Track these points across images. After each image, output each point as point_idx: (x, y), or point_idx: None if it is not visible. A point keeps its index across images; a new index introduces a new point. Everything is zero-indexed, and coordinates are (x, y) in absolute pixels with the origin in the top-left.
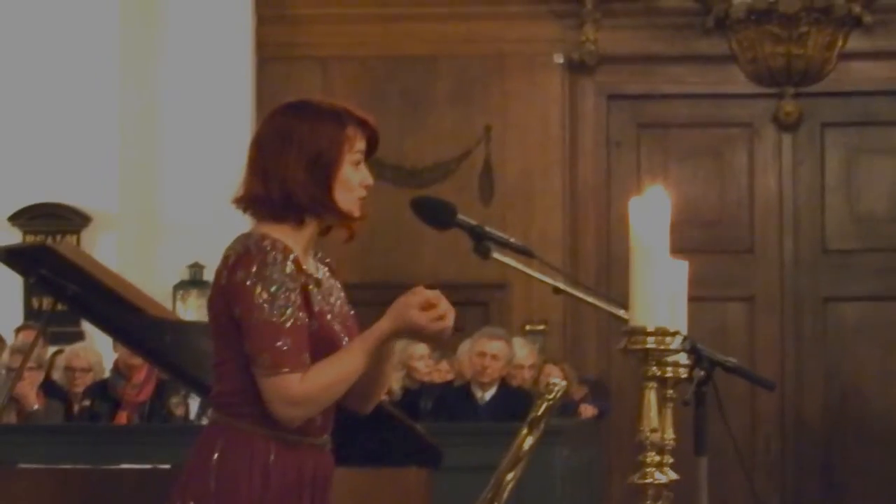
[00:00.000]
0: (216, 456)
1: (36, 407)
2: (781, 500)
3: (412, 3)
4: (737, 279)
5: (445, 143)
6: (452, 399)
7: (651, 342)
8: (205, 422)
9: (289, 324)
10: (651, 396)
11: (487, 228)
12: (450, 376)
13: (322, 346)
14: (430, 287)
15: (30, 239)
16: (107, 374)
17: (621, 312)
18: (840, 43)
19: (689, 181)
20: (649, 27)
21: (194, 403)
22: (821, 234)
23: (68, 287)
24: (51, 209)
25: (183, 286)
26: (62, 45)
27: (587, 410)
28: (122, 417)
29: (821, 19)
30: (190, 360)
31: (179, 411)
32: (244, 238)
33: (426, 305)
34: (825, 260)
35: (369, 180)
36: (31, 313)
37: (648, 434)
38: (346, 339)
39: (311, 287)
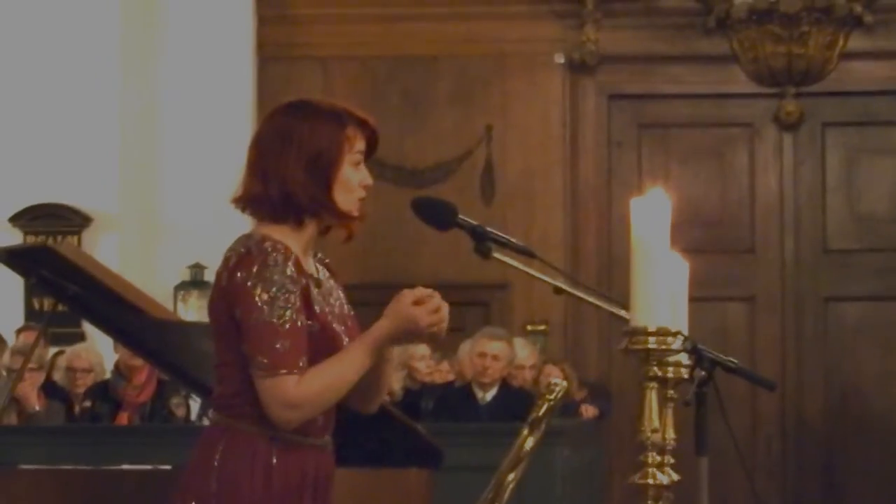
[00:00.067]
0: (218, 457)
1: (37, 408)
2: (782, 501)
3: (413, 3)
4: (737, 279)
5: (446, 144)
6: (453, 399)
7: (652, 342)
8: (206, 422)
9: (287, 326)
10: (652, 397)
11: (488, 229)
12: (451, 377)
13: (323, 346)
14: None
15: (30, 239)
16: (108, 375)
17: (622, 313)
18: (841, 43)
19: (689, 181)
20: (650, 27)
21: (195, 404)
22: (821, 234)
23: (69, 288)
24: (51, 210)
25: (184, 287)
26: (63, 45)
27: (588, 411)
28: (123, 418)
29: (822, 19)
30: (191, 361)
31: (180, 412)
32: (245, 239)
33: (419, 302)
34: (826, 260)
35: (369, 181)
36: (31, 314)
37: (649, 434)
38: (347, 339)
39: (311, 288)
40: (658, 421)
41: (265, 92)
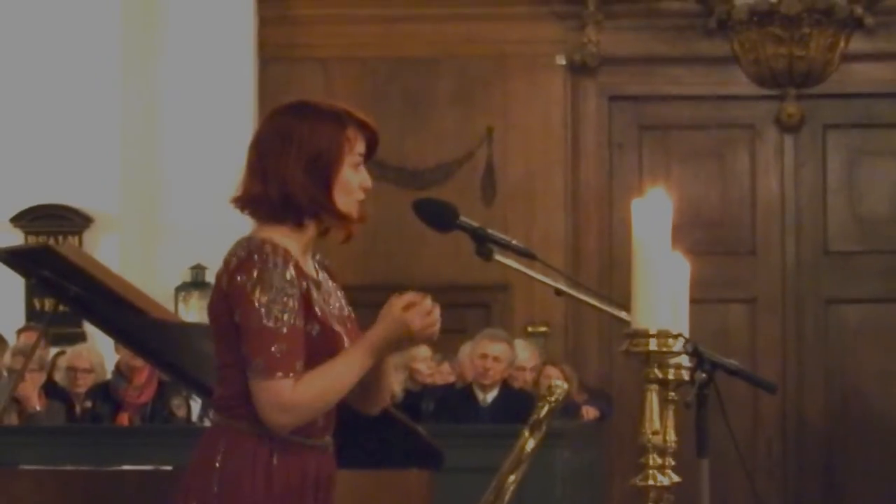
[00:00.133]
0: (219, 458)
1: (38, 408)
2: (783, 502)
3: (413, 4)
4: (738, 281)
5: (447, 145)
6: (454, 401)
7: (653, 344)
8: (206, 423)
9: (285, 329)
10: (653, 398)
11: (489, 230)
12: (451, 378)
13: (323, 348)
14: (420, 290)
15: (31, 240)
16: (108, 376)
17: (623, 314)
18: (842, 44)
19: (690, 182)
20: (651, 28)
21: (196, 405)
22: (822, 236)
23: (70, 288)
24: (52, 210)
25: (184, 288)
26: (63, 46)
27: (589, 412)
28: (124, 419)
29: (822, 21)
30: (191, 362)
31: (181, 413)
32: (246, 242)
33: (410, 306)
34: (827, 261)
35: (368, 183)
36: (32, 315)
37: (650, 436)
38: (348, 340)
39: (312, 290)
40: (659, 423)
41: (266, 93)
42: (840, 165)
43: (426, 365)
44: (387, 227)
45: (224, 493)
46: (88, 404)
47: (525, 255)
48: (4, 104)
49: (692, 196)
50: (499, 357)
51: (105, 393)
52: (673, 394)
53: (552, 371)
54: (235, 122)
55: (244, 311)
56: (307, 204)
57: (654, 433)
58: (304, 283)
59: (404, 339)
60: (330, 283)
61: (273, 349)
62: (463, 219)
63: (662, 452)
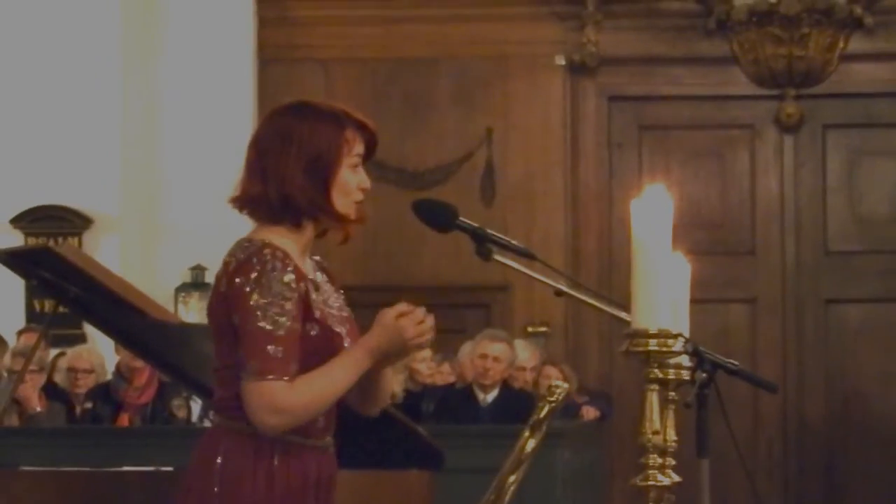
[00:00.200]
0: (220, 459)
1: (38, 409)
2: (783, 502)
3: (413, 4)
4: (738, 281)
5: (447, 145)
6: (454, 401)
7: (653, 344)
8: (207, 424)
9: (281, 332)
10: (653, 399)
11: (489, 231)
12: (452, 378)
13: (323, 348)
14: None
15: (31, 241)
16: (109, 377)
17: (623, 315)
18: (841, 44)
19: (690, 183)
20: (650, 29)
21: (196, 406)
22: (822, 236)
23: (70, 289)
24: (52, 211)
25: (185, 288)
26: (63, 47)
27: (589, 413)
28: (124, 420)
29: (822, 21)
30: (192, 363)
31: (181, 413)
32: (245, 245)
33: (402, 315)
34: (827, 262)
35: (367, 184)
36: (32, 316)
37: (650, 436)
38: (348, 340)
39: (311, 291)
40: (659, 423)
41: (266, 94)
42: (840, 165)
43: (426, 365)
44: (387, 227)
45: (225, 494)
46: (89, 405)
47: (525, 255)
48: (4, 105)
49: (692, 196)
50: (499, 357)
51: (105, 394)
52: (673, 394)
53: (551, 371)
54: (235, 123)
55: (242, 314)
56: (306, 205)
57: (655, 433)
58: (303, 286)
59: (398, 347)
60: (328, 284)
61: (269, 351)
62: (462, 219)
63: (663, 452)
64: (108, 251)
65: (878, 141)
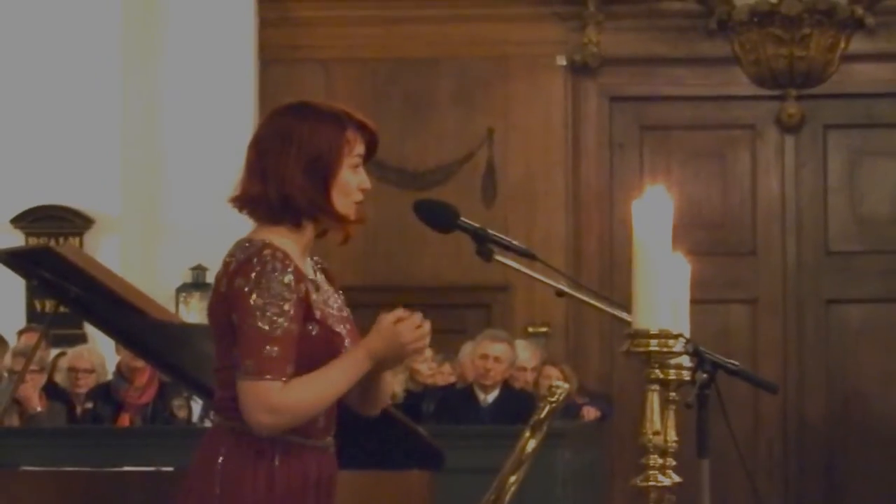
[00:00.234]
0: (220, 459)
1: (38, 409)
2: (783, 503)
3: (414, 5)
4: (739, 281)
5: (448, 146)
6: (455, 401)
7: (654, 345)
8: (207, 424)
9: (278, 332)
10: (654, 399)
11: (490, 231)
12: (452, 379)
13: (323, 348)
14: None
15: (32, 241)
16: (109, 377)
17: (624, 315)
18: (842, 45)
19: (691, 183)
20: (652, 29)
21: (197, 406)
22: (823, 237)
23: (71, 289)
24: (53, 211)
25: (185, 288)
26: (64, 47)
27: (590, 413)
28: (125, 420)
29: (823, 21)
30: (192, 363)
31: (182, 414)
32: (245, 245)
33: (400, 320)
34: (828, 262)
35: (367, 184)
36: (33, 316)
37: (651, 437)
38: (349, 340)
39: (311, 292)
40: (660, 423)
41: (266, 94)
42: (841, 166)
43: (427, 365)
44: (387, 227)
45: (225, 494)
46: (89, 405)
47: (525, 255)
48: (5, 105)
49: (693, 196)
50: (499, 357)
51: (106, 394)
52: (674, 394)
53: (551, 371)
54: (236, 123)
55: (240, 313)
56: (305, 205)
57: (655, 434)
58: (303, 286)
59: (395, 351)
60: (327, 284)
61: (265, 351)
62: (463, 219)
63: (663, 453)
64: (108, 251)
65: (879, 141)
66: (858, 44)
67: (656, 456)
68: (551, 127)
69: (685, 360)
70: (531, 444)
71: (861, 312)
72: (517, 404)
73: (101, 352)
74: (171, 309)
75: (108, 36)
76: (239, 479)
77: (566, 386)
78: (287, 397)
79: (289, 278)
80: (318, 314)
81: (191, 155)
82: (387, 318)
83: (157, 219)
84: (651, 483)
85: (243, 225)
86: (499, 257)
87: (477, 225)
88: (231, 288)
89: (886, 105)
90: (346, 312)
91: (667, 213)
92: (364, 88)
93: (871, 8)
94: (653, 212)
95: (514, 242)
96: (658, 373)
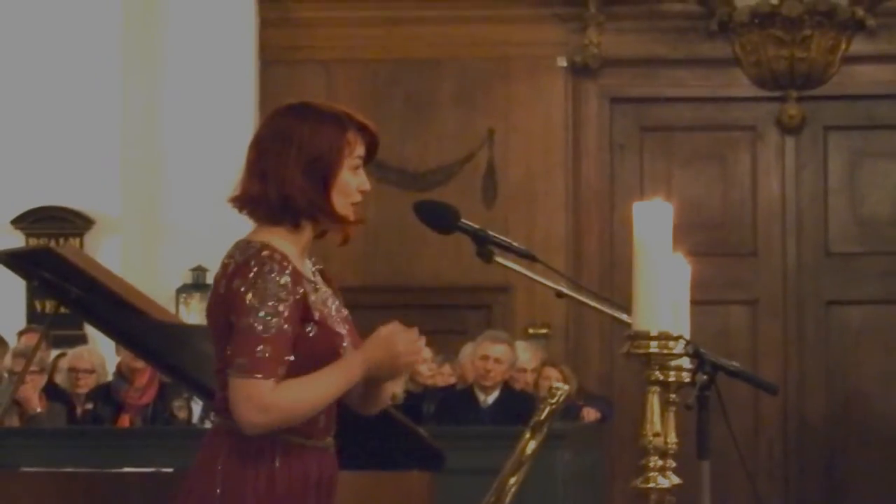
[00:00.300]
0: (221, 460)
1: (38, 410)
2: (784, 503)
3: (415, 6)
4: (740, 282)
5: (448, 147)
6: (455, 403)
7: (654, 346)
8: (208, 425)
9: (272, 332)
10: (654, 400)
11: (490, 232)
12: (452, 380)
13: (322, 349)
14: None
15: (33, 242)
16: (110, 378)
17: (624, 316)
18: (843, 46)
19: (692, 184)
20: (652, 30)
21: (197, 407)
22: (824, 238)
23: (71, 290)
24: (54, 212)
25: (186, 289)
26: (64, 48)
27: (590, 414)
28: (125, 420)
29: (824, 23)
30: (192, 364)
31: (182, 414)
32: (244, 247)
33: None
34: (828, 263)
35: (367, 186)
36: (33, 316)
37: (651, 438)
38: (348, 340)
39: (309, 293)
40: (660, 424)
41: (267, 95)
42: (841, 167)
43: (427, 366)
44: (388, 228)
45: (226, 495)
46: (89, 406)
47: (526, 256)
48: (5, 106)
49: (693, 197)
50: (500, 359)
51: (106, 395)
52: (674, 395)
53: (551, 372)
54: (236, 124)
55: (237, 313)
56: (305, 206)
57: (656, 435)
58: (301, 288)
59: (389, 360)
60: (324, 286)
61: (258, 349)
62: (464, 220)
63: (663, 454)
64: (109, 252)
65: (879, 142)
66: (859, 45)
67: (656, 457)
68: (552, 128)
69: (685, 362)
70: (531, 446)
71: (861, 313)
72: (517, 405)
73: (101, 352)
74: (172, 310)
75: (109, 36)
76: (239, 480)
77: (566, 387)
78: (279, 397)
79: (286, 280)
80: (316, 315)
81: (191, 155)
82: (384, 329)
83: (158, 219)
84: (651, 485)
85: (243, 225)
86: (499, 259)
87: (477, 226)
88: (229, 289)
89: (887, 106)
90: (345, 312)
91: (667, 214)
92: (365, 89)
93: (872, 9)
94: (653, 213)
95: (515, 244)
96: (658, 374)
